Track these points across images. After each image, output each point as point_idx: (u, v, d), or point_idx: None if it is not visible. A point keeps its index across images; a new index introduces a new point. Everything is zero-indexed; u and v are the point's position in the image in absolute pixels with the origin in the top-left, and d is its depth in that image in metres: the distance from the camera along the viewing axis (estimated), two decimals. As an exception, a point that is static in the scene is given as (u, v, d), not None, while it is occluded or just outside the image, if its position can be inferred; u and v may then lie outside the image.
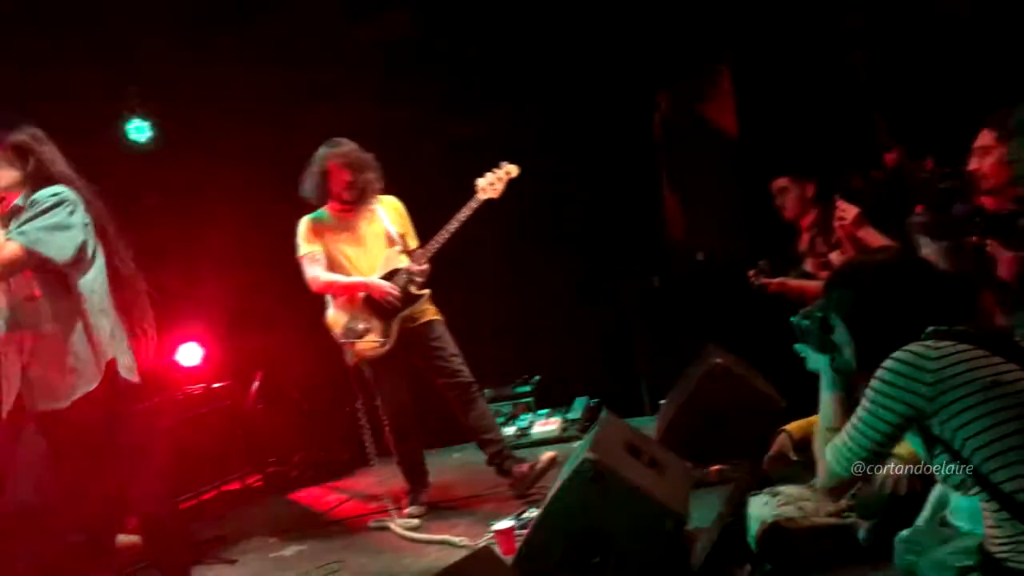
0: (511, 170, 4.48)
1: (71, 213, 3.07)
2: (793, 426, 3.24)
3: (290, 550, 4.44)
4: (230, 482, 5.88)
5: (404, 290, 4.33)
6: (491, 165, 4.49)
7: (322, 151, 4.40)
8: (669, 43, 5.85)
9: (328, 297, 4.45)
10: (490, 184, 4.43)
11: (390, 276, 4.35)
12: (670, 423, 4.25)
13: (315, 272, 4.39)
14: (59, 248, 3.02)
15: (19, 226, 3.00)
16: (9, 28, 5.08)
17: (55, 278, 3.09)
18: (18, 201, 3.17)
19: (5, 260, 2.95)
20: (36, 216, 3.02)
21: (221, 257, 6.10)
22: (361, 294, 4.35)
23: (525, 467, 4.33)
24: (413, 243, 4.49)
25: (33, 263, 3.01)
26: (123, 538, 5.10)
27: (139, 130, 6.08)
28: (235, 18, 5.76)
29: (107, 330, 3.16)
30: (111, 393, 3.12)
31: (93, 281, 3.16)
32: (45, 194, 3.08)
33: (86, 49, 5.44)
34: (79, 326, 3.10)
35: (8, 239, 2.97)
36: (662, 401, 4.74)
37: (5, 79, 4.62)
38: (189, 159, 6.10)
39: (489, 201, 4.41)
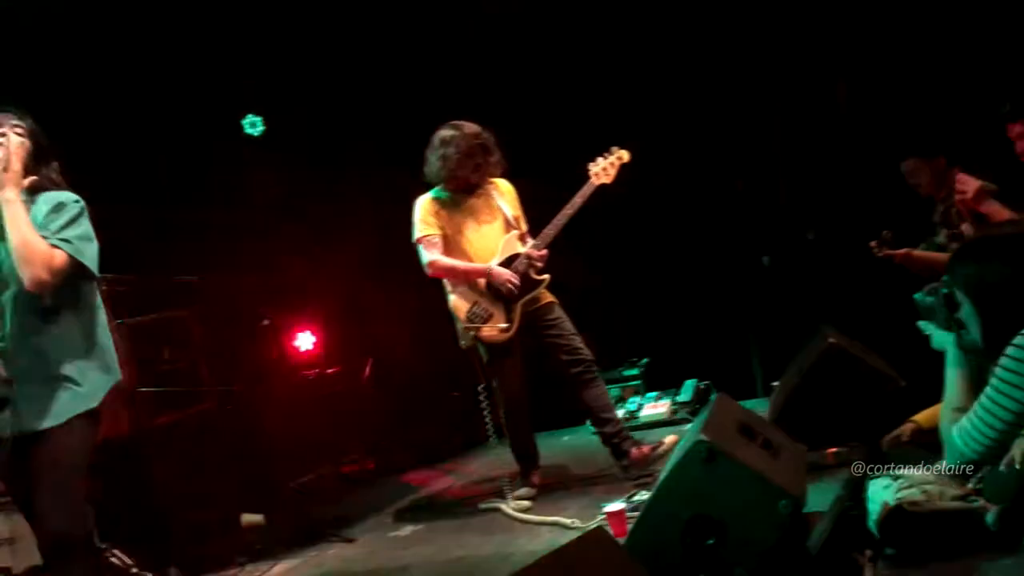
0: (623, 155, 4.48)
1: (89, 223, 2.90)
2: (923, 416, 3.12)
3: (406, 530, 4.55)
4: (346, 464, 6.06)
5: (524, 275, 4.36)
6: (601, 150, 4.48)
7: (448, 132, 4.42)
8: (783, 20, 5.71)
9: (446, 282, 4.49)
10: (603, 169, 4.44)
11: (509, 261, 4.38)
12: (784, 405, 4.15)
13: (434, 255, 4.42)
14: (92, 259, 2.86)
15: (57, 232, 2.79)
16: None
17: (69, 291, 2.86)
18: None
19: (56, 268, 2.74)
20: (70, 223, 2.84)
21: (333, 248, 6.29)
22: (482, 280, 4.39)
23: (646, 448, 4.32)
24: (524, 227, 4.51)
25: (73, 272, 2.81)
26: (247, 517, 5.34)
27: (254, 125, 6.34)
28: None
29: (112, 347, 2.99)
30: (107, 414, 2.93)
31: (96, 295, 2.99)
32: (69, 198, 2.89)
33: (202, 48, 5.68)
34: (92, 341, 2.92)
35: (53, 246, 2.76)
36: (775, 383, 4.64)
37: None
38: (300, 154, 6.31)
39: (604, 187, 4.41)
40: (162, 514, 4.83)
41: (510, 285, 4.33)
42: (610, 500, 3.75)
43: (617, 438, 4.40)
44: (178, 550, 4.63)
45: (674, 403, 5.50)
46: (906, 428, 3.11)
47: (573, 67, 6.04)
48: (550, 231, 4.36)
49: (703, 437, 2.77)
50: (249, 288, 5.61)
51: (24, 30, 4.90)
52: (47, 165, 2.94)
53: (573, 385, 4.42)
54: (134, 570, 4.29)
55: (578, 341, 4.42)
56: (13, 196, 2.76)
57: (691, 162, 5.95)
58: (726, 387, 4.16)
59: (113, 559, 4.31)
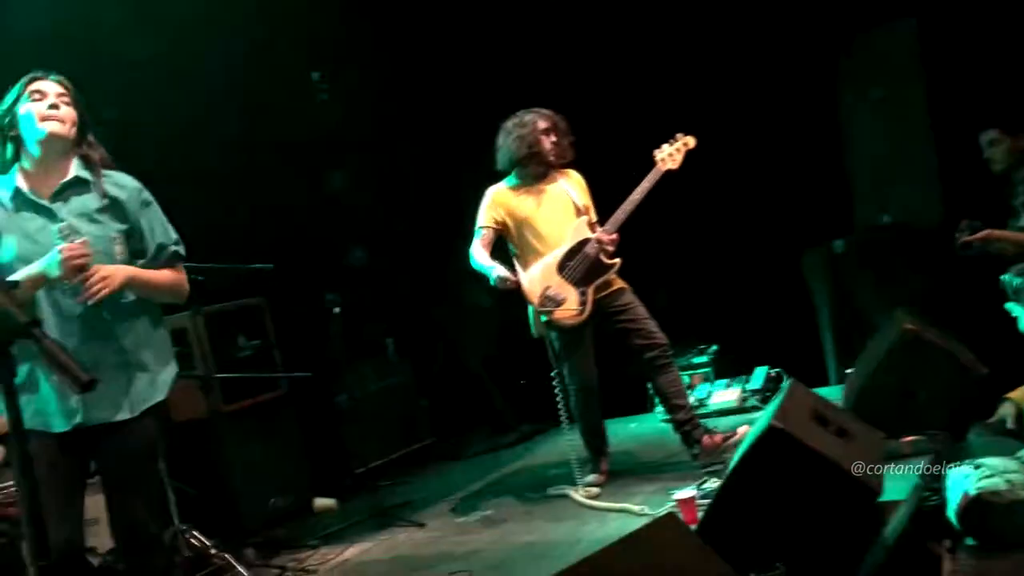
0: (688, 141, 4.44)
1: None
2: (1018, 394, 3.02)
3: (475, 515, 4.59)
4: (415, 448, 6.13)
5: (595, 260, 4.35)
6: (667, 136, 4.45)
7: (522, 114, 4.48)
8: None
9: (519, 267, 4.49)
10: (669, 155, 4.41)
11: (580, 247, 4.37)
12: (859, 392, 4.07)
13: (474, 249, 4.49)
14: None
15: (169, 234, 2.87)
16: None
17: None
18: (79, 171, 2.77)
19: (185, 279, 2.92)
20: (165, 220, 2.90)
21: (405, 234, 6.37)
22: (556, 261, 4.38)
23: (718, 437, 4.29)
24: (593, 217, 4.50)
25: None
26: (320, 501, 5.45)
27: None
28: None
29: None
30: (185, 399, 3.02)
31: None
32: (140, 186, 2.88)
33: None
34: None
35: (176, 254, 2.88)
36: (849, 370, 4.55)
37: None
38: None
39: (671, 173, 4.38)
40: (238, 497, 4.96)
41: (542, 295, 4.33)
42: (680, 487, 3.73)
43: (689, 425, 4.37)
44: (253, 532, 4.76)
45: (744, 391, 5.43)
46: (1007, 410, 3.00)
47: (637, 53, 5.98)
48: (619, 216, 4.34)
49: (774, 424, 2.73)
50: (321, 275, 5.69)
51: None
52: (89, 138, 2.83)
53: (647, 370, 4.43)
54: (212, 551, 4.41)
55: (652, 325, 4.41)
56: (133, 272, 2.74)
57: (762, 144, 5.85)
58: (798, 375, 4.07)
59: (192, 540, 4.43)
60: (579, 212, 4.46)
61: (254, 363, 5.28)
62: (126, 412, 2.74)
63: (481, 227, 4.53)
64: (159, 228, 2.89)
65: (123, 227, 2.81)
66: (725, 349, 5.93)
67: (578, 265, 4.35)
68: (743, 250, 5.91)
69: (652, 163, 4.40)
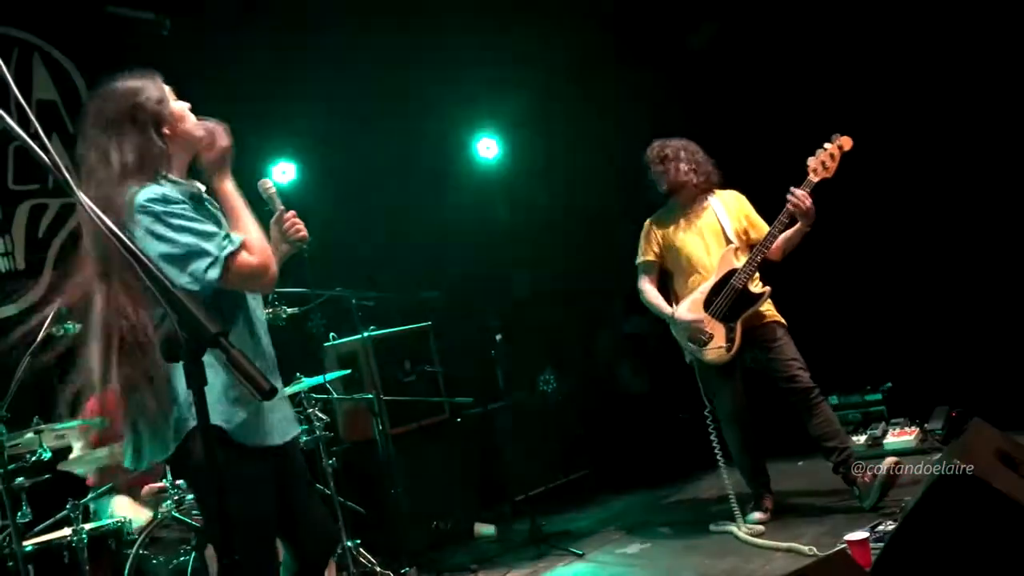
0: (844, 143, 4.13)
1: None
2: None
3: (633, 547, 4.53)
4: (574, 477, 6.12)
5: (743, 290, 4.25)
6: (823, 140, 4.17)
7: (661, 145, 4.49)
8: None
9: (664, 304, 4.49)
10: (821, 163, 4.13)
11: (726, 279, 4.28)
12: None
13: (642, 284, 4.56)
14: None
15: None
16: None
17: None
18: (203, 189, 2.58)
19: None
20: None
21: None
22: (703, 296, 4.32)
23: (868, 475, 4.10)
24: (761, 230, 4.35)
25: None
26: (480, 527, 5.51)
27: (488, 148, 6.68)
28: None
29: None
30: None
31: None
32: None
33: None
34: None
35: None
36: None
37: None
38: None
39: (824, 182, 4.13)
40: (402, 518, 5.09)
41: (690, 332, 4.30)
42: (849, 529, 3.55)
43: (844, 467, 4.20)
44: (417, 553, 4.87)
45: (923, 431, 5.11)
46: None
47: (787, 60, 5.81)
48: (768, 240, 4.20)
49: (957, 464, 2.57)
50: (484, 304, 5.82)
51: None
52: None
53: (796, 413, 4.28)
54: (377, 569, 4.55)
55: (796, 367, 4.25)
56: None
57: (934, 155, 5.49)
58: (982, 416, 3.80)
59: (359, 557, 4.59)
60: (727, 239, 4.37)
61: (419, 387, 5.44)
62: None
63: (642, 261, 4.57)
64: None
65: None
66: (900, 386, 5.61)
67: (724, 300, 4.27)
68: (920, 277, 5.59)
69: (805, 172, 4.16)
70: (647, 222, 4.61)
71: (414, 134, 6.35)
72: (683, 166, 4.43)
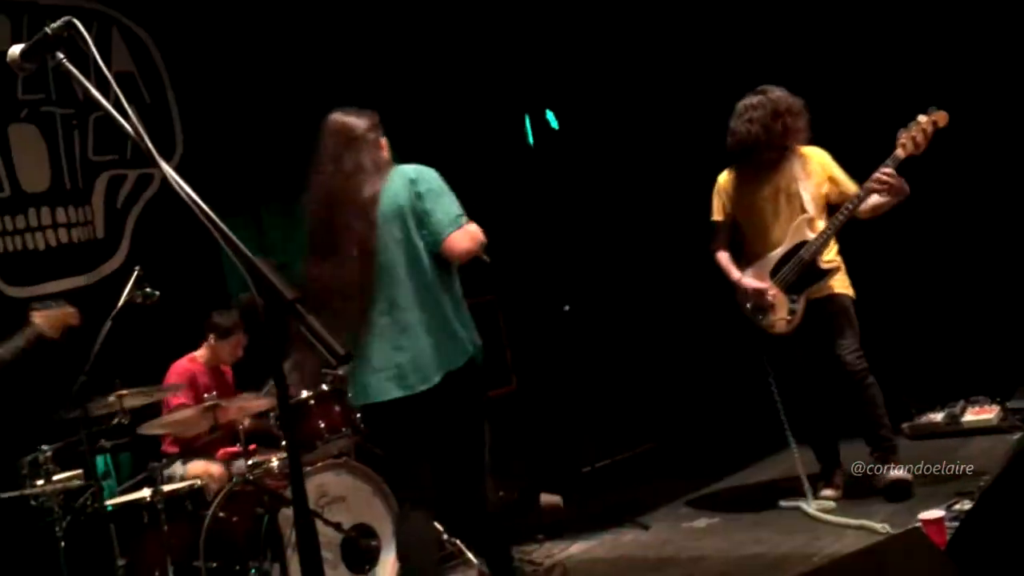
0: (939, 119, 3.92)
1: None
2: None
3: (701, 521, 4.50)
4: (641, 450, 6.11)
5: (811, 263, 4.13)
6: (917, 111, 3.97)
7: (752, 99, 4.19)
8: None
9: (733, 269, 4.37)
10: (911, 137, 3.92)
11: (795, 250, 4.16)
12: None
13: (714, 243, 4.41)
14: None
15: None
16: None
17: None
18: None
19: None
20: None
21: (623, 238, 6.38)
22: (771, 264, 4.22)
23: (893, 473, 4.07)
24: (848, 191, 4.13)
25: None
26: (546, 497, 5.54)
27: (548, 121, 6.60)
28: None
29: None
30: None
31: None
32: None
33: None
34: None
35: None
36: None
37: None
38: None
39: (913, 158, 3.94)
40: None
41: (752, 300, 4.21)
42: (927, 507, 3.47)
43: (883, 459, 4.13)
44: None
45: (1004, 409, 4.95)
46: None
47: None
48: (840, 216, 4.05)
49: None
50: (553, 275, 5.80)
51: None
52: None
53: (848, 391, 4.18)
54: (445, 536, 4.60)
55: (846, 345, 4.11)
56: None
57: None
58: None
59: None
60: (802, 208, 4.17)
61: (485, 359, 5.46)
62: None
63: (714, 220, 4.41)
64: None
65: None
66: (982, 365, 5.44)
67: (791, 271, 4.15)
68: (1005, 254, 5.40)
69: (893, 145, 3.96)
70: (720, 178, 4.39)
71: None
72: (798, 123, 4.14)
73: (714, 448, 5.92)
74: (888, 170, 3.92)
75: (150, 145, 1.72)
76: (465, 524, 3.39)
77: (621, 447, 6.05)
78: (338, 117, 3.33)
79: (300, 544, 1.71)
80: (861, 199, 4.01)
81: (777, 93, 4.16)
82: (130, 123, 1.75)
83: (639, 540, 4.45)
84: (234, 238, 1.60)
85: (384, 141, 3.38)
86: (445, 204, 3.19)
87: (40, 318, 3.62)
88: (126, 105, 1.77)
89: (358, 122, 3.31)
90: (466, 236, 3.17)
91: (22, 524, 4.03)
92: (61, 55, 1.81)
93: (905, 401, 5.29)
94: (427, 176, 3.25)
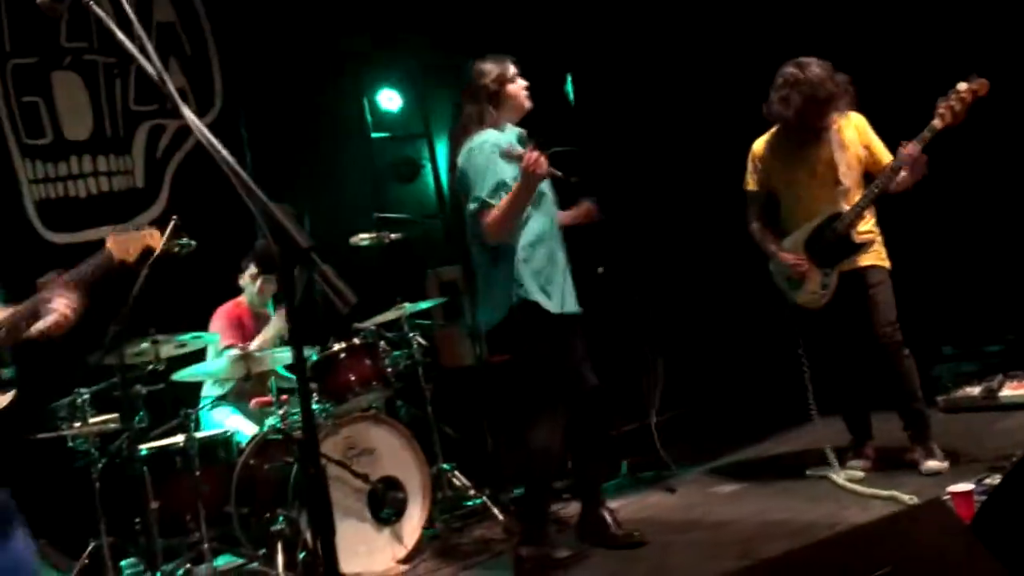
0: (979, 87, 3.79)
1: None
2: None
3: (727, 488, 4.49)
4: (670, 415, 6.07)
5: (844, 237, 4.04)
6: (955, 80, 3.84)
7: (792, 72, 4.02)
8: None
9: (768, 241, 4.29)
10: (951, 108, 3.81)
11: (829, 221, 4.07)
12: None
13: (749, 214, 4.33)
14: None
15: None
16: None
17: None
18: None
19: None
20: None
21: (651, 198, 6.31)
22: (805, 236, 4.15)
23: (918, 453, 4.03)
24: (881, 162, 4.05)
25: None
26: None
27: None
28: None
29: None
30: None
31: None
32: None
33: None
34: None
35: None
36: None
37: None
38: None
39: (949, 128, 3.82)
40: (497, 444, 5.18)
41: (786, 272, 4.16)
42: (958, 482, 3.42)
43: (919, 435, 4.07)
44: (509, 480, 4.95)
45: (1045, 384, 4.86)
46: None
47: None
48: (875, 189, 3.95)
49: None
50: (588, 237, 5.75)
51: None
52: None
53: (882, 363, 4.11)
54: (471, 491, 4.65)
55: (881, 318, 4.02)
56: None
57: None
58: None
59: (453, 479, 4.70)
60: (838, 180, 4.05)
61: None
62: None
63: (747, 189, 4.33)
64: None
65: None
66: (1022, 338, 5.34)
67: (824, 243, 4.07)
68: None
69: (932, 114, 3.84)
70: (755, 145, 4.30)
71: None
72: (838, 102, 4.00)
73: (742, 417, 5.89)
74: (913, 145, 3.84)
75: (172, 89, 1.72)
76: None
77: (650, 411, 6.02)
78: (479, 61, 3.80)
79: (310, 495, 1.73)
80: (895, 170, 3.91)
81: (816, 72, 3.95)
82: (154, 67, 1.74)
83: (664, 503, 4.46)
84: (251, 184, 1.61)
85: (510, 90, 3.79)
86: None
87: (114, 242, 3.09)
88: (151, 50, 1.76)
89: (485, 69, 3.77)
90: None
91: (59, 465, 4.13)
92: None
93: (939, 374, 5.22)
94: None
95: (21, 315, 2.60)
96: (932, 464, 3.97)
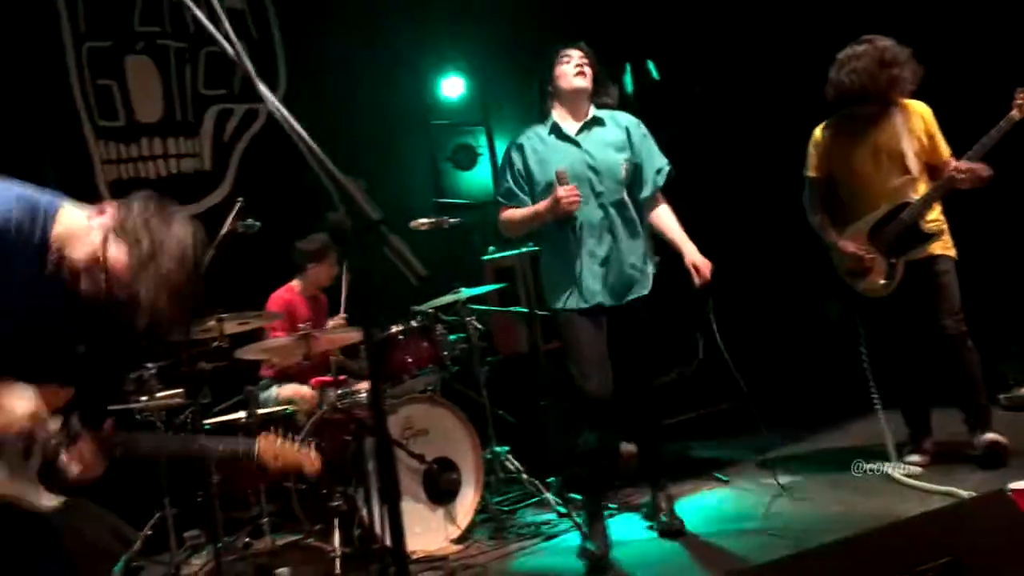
0: None
1: None
2: None
3: (781, 479, 4.44)
4: (725, 407, 6.04)
5: (912, 227, 3.98)
6: None
7: (856, 47, 3.99)
8: None
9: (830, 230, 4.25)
10: (1020, 106, 3.74)
11: (897, 211, 4.01)
12: None
13: (807, 203, 4.30)
14: None
15: (660, 158, 3.93)
16: None
17: None
18: (595, 113, 3.84)
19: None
20: (655, 147, 3.95)
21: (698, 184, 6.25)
22: (869, 225, 4.09)
23: (986, 439, 3.95)
24: (941, 156, 4.02)
25: None
26: (625, 446, 5.55)
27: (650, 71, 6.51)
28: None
29: None
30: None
31: None
32: (642, 124, 3.96)
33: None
34: None
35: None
36: None
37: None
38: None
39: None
40: (549, 431, 5.20)
41: (850, 262, 4.12)
42: (1017, 479, 3.36)
43: (980, 427, 3.99)
44: (559, 466, 4.97)
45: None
46: None
47: None
48: (944, 185, 3.89)
49: None
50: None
51: None
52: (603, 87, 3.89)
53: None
54: (524, 476, 4.68)
55: (946, 309, 3.96)
56: None
57: None
58: None
59: (507, 463, 4.74)
60: (905, 168, 4.01)
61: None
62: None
63: (808, 176, 4.27)
64: (656, 154, 3.92)
65: (628, 155, 3.83)
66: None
67: (891, 233, 4.00)
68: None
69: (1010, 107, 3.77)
70: (816, 131, 4.23)
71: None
72: (905, 73, 3.93)
73: (799, 409, 5.82)
74: (965, 166, 3.81)
75: (251, 69, 1.77)
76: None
77: (705, 401, 6.00)
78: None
79: (380, 471, 1.77)
80: (978, 153, 3.82)
81: (883, 42, 3.95)
82: (232, 47, 1.80)
83: (718, 494, 4.44)
84: (325, 159, 1.66)
85: (556, 71, 3.84)
86: None
87: (266, 445, 2.76)
88: (232, 35, 1.81)
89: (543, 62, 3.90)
90: None
91: (127, 436, 4.25)
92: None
93: (1004, 371, 5.11)
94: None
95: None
96: (990, 436, 3.93)
